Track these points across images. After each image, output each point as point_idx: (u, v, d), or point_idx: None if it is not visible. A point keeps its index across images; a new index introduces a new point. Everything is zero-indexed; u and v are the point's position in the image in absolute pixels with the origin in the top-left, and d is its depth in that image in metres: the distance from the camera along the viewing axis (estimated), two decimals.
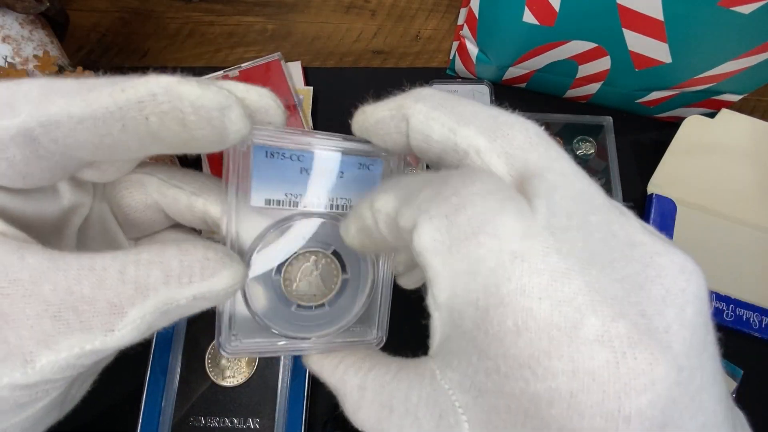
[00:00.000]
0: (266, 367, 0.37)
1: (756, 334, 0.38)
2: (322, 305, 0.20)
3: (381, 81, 0.46)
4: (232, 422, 0.36)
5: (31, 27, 0.34)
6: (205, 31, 0.48)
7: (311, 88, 0.45)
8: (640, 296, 0.13)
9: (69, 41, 0.46)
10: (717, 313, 0.38)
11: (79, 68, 0.33)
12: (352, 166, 0.20)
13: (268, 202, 0.19)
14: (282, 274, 0.20)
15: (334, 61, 0.47)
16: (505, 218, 0.13)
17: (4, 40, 0.32)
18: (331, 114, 0.45)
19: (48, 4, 0.33)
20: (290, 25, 0.48)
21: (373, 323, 0.21)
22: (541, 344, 0.12)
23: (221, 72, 0.44)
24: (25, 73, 0.32)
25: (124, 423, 0.36)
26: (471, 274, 0.13)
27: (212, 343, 0.37)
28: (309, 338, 0.20)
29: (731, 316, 0.38)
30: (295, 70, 0.45)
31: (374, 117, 0.17)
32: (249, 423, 0.36)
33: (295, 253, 0.20)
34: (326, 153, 0.19)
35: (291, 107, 0.43)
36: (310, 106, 0.44)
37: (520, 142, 0.15)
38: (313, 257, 0.20)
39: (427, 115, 0.16)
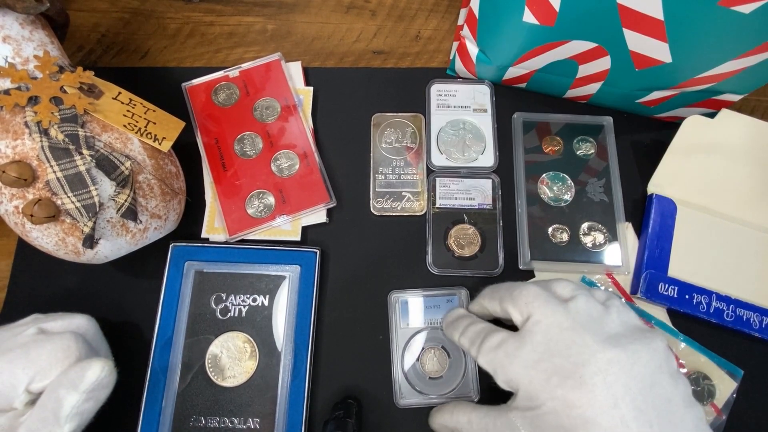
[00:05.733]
0: (266, 367, 0.37)
1: (756, 334, 0.38)
2: (441, 377, 0.37)
3: (381, 81, 0.46)
4: (232, 422, 0.36)
5: (32, 27, 0.34)
6: (205, 32, 0.48)
7: (311, 88, 0.45)
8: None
9: (69, 41, 0.46)
10: (717, 313, 0.38)
11: (79, 68, 0.33)
12: (443, 299, 0.39)
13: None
14: (420, 361, 0.38)
15: (334, 61, 0.47)
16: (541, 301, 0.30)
17: (4, 40, 0.32)
18: (331, 114, 0.45)
19: (48, 4, 0.33)
20: (290, 25, 0.48)
21: (470, 387, 0.37)
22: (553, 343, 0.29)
23: (222, 72, 0.44)
24: (26, 74, 0.32)
25: (124, 423, 0.36)
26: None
27: (212, 343, 0.37)
28: (435, 396, 0.37)
29: (731, 316, 0.38)
30: (295, 70, 0.45)
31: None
32: (249, 423, 0.36)
33: (423, 349, 0.38)
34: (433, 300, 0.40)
35: (291, 107, 0.43)
36: (310, 106, 0.44)
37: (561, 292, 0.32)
38: (433, 350, 0.38)
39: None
